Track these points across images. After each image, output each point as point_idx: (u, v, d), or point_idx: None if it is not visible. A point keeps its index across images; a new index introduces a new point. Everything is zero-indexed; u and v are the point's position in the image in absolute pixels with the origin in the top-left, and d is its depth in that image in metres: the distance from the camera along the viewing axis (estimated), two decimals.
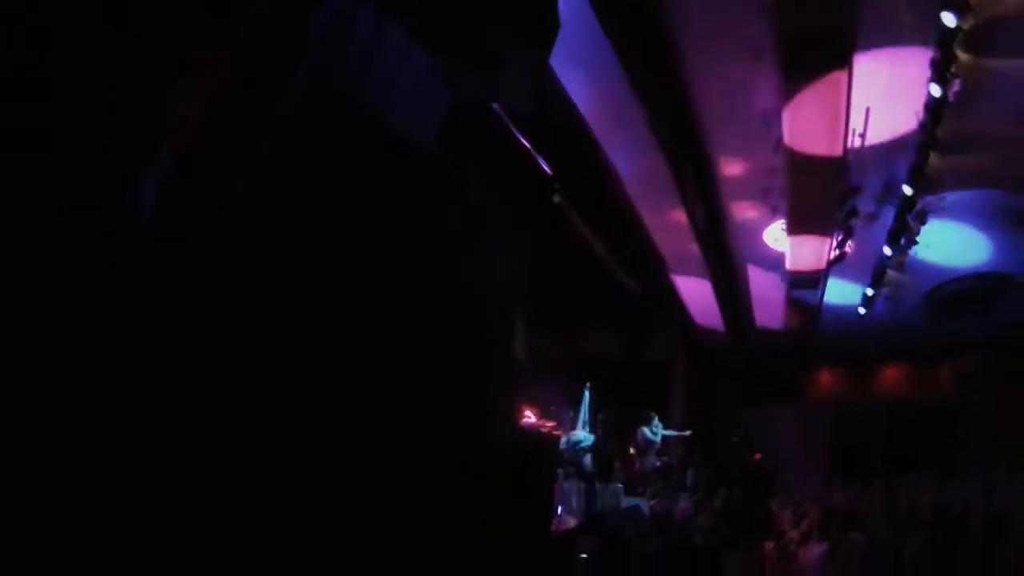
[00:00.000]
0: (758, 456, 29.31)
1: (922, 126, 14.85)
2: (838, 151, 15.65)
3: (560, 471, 14.77)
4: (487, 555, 7.46)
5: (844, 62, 13.01)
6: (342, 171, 5.41)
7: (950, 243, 21.60)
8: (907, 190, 17.29)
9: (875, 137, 15.67)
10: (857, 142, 15.76)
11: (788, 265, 22.28)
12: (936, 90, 13.62)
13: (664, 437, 22.58)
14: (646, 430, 21.79)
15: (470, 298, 7.58)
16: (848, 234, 19.32)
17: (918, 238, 19.72)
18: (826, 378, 34.20)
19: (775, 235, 20.34)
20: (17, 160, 3.58)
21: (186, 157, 4.25)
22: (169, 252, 4.13)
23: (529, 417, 15.32)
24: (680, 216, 18.25)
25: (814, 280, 23.55)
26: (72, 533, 3.66)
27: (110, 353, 3.89)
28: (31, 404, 3.56)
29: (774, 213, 19.10)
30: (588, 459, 16.79)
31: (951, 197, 18.49)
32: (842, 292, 24.98)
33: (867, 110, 14.71)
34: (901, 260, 21.76)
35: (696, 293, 24.48)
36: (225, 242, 4.49)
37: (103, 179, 3.90)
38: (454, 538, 6.79)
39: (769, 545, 15.04)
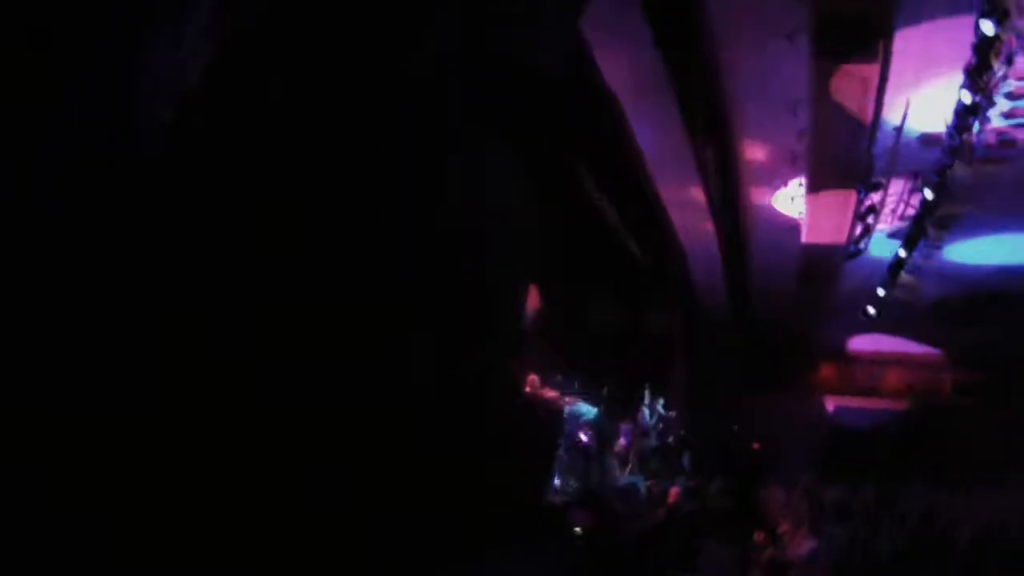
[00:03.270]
0: (757, 446, 29.31)
1: (951, 130, 14.68)
2: (863, 144, 15.52)
3: (560, 442, 14.68)
4: (483, 519, 7.40)
5: (877, 52, 12.86)
6: (348, 137, 5.33)
7: (968, 252, 21.51)
8: (928, 194, 17.12)
9: (903, 134, 15.53)
10: (884, 138, 15.63)
11: (802, 253, 22.24)
12: (967, 97, 13.43)
13: (658, 419, 22.56)
14: (645, 411, 21.75)
15: (476, 265, 7.50)
16: (866, 231, 19.19)
17: (937, 245, 19.62)
18: (828, 373, 34.24)
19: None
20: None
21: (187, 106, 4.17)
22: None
23: (533, 386, 15.22)
24: (698, 194, 18.12)
25: (826, 274, 23.51)
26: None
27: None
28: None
29: (792, 200, 18.99)
30: (589, 433, 16.68)
31: (973, 206, 18.37)
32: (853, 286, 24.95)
33: (906, 103, 14.56)
34: (917, 264, 21.66)
35: (706, 272, 24.40)
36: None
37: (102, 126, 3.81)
38: (455, 502, 6.73)
39: (760, 536, 15.00)
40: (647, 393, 22.03)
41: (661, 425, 22.17)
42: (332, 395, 5.14)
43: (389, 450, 5.79)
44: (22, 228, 3.42)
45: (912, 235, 19.54)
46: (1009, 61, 12.78)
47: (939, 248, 20.15)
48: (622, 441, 19.96)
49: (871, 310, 26.05)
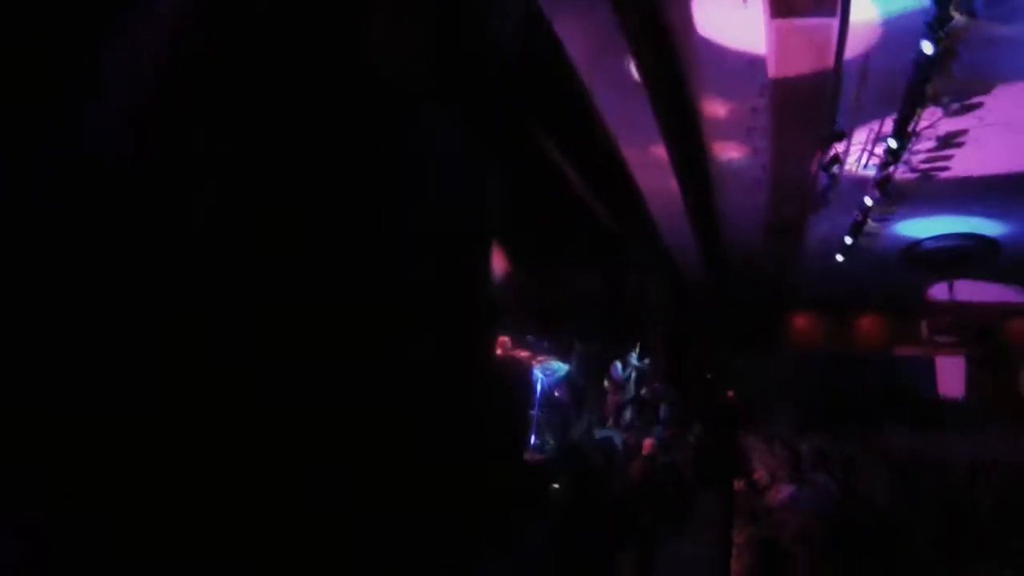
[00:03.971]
0: (732, 394, 29.54)
1: (911, 81, 14.78)
2: (825, 93, 15.58)
3: (535, 401, 14.81)
4: (460, 483, 7.48)
5: (834, 5, 12.90)
6: (317, 110, 5.37)
7: (933, 200, 21.80)
8: (892, 143, 17.24)
9: (865, 83, 15.59)
10: (846, 87, 15.68)
11: (769, 207, 22.35)
12: (928, 47, 13.52)
13: (632, 372, 22.71)
14: (618, 364, 21.90)
15: (444, 229, 7.56)
16: (832, 180, 19.30)
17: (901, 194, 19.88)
18: (802, 323, 34.43)
19: None
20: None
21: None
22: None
23: (505, 347, 15.30)
24: (661, 152, 18.18)
25: (794, 225, 23.62)
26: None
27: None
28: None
29: (756, 153, 19.05)
30: (563, 390, 16.79)
31: (937, 154, 18.57)
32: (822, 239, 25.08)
33: (867, 52, 14.61)
34: (883, 211, 21.85)
35: (674, 230, 24.47)
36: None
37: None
38: (428, 467, 6.80)
39: (740, 483, 15.13)
40: (624, 350, 22.25)
41: (634, 374, 22.35)
42: (320, 383, 5.19)
43: (371, 427, 5.86)
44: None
45: (878, 184, 19.69)
46: (971, 13, 12.88)
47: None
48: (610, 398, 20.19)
49: (839, 258, 26.20)
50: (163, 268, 4.16)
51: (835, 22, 13.17)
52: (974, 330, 31.12)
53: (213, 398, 4.38)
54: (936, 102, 15.70)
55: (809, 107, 16.03)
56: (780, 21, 13.12)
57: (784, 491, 11.62)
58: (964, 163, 19.12)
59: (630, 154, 18.68)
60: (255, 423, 4.65)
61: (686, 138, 18.31)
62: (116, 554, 3.84)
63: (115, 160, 3.94)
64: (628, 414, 21.26)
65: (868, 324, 33.90)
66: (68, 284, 3.71)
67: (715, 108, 17.24)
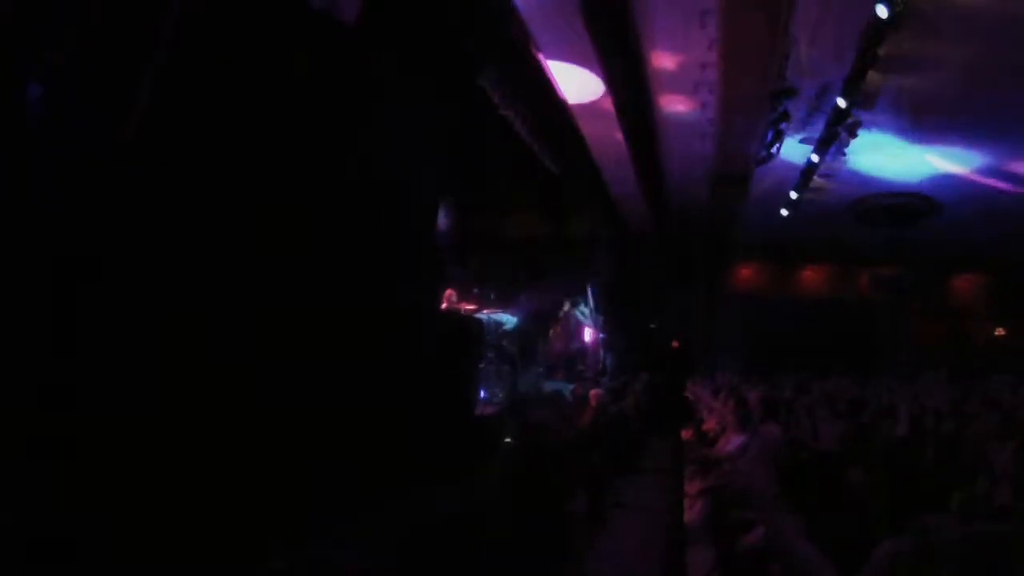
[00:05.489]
0: (676, 344, 29.74)
1: (863, 42, 14.84)
2: (776, 49, 15.59)
3: (483, 354, 14.72)
4: (410, 439, 7.46)
5: None
6: (257, 56, 5.33)
7: (879, 159, 21.96)
8: (841, 102, 17.36)
9: (816, 43, 15.58)
10: (797, 44, 15.68)
11: (715, 160, 22.40)
12: (882, 11, 13.60)
13: (591, 312, 22.93)
14: (578, 312, 22.00)
15: (389, 180, 7.50)
16: (778, 136, 19.35)
17: (847, 150, 19.97)
18: (747, 272, 34.72)
19: None
20: None
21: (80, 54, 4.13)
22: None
23: (450, 300, 15.24)
24: (607, 104, 18.14)
25: (740, 177, 23.71)
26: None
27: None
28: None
29: (703, 108, 19.03)
30: (512, 341, 16.74)
31: (885, 115, 18.69)
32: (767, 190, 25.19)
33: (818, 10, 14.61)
34: (829, 168, 22.03)
35: (619, 180, 24.46)
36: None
37: None
38: (377, 424, 6.78)
39: (688, 433, 15.21)
40: (575, 298, 22.33)
41: (601, 318, 22.52)
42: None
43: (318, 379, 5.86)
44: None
45: (824, 140, 19.83)
46: None
47: (846, 154, 20.58)
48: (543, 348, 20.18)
49: (784, 212, 26.40)
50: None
51: None
52: (912, 284, 31.72)
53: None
54: (888, 65, 15.79)
55: (758, 63, 16.04)
56: None
57: (733, 441, 11.68)
58: (913, 124, 19.29)
59: (576, 104, 18.61)
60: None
61: (633, 90, 18.25)
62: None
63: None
64: (578, 365, 21.37)
65: (810, 274, 34.31)
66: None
67: (664, 62, 17.17)
